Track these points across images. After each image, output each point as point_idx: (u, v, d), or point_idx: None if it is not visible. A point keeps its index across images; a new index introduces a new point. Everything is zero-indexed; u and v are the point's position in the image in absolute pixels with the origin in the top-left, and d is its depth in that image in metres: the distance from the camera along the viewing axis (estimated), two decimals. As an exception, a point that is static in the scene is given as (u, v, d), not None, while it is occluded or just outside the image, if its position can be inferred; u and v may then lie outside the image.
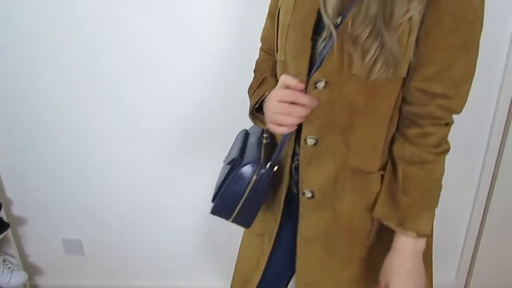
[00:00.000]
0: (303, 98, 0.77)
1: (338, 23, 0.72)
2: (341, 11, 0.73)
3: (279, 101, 0.79)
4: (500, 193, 1.67)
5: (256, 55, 1.07)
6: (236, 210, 0.90)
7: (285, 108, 0.78)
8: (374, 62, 0.71)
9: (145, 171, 1.67)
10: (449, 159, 0.82)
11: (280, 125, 0.80)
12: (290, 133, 0.83)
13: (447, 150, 0.80)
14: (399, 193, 0.81)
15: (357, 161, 0.83)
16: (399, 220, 0.81)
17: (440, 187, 0.82)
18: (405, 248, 0.82)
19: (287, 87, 0.79)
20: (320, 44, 0.78)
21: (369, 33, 0.70)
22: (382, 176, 0.84)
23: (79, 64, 1.50)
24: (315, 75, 0.77)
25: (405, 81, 0.77)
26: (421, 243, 0.82)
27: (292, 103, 0.78)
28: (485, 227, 1.73)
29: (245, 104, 0.97)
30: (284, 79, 0.80)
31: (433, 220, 0.84)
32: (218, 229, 1.65)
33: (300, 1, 0.79)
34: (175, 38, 1.46)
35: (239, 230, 1.03)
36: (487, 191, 1.69)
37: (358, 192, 0.85)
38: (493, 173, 1.66)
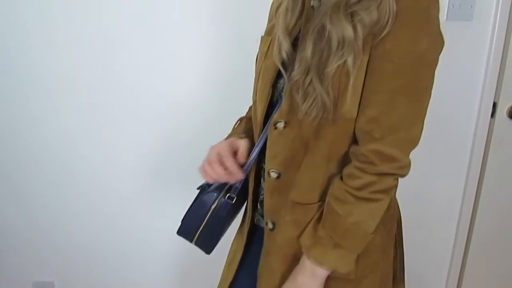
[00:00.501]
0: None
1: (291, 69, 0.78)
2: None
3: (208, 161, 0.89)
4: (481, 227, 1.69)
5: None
6: (197, 234, 0.94)
7: (211, 165, 0.88)
8: (311, 106, 0.73)
9: (123, 215, 1.63)
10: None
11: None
12: (249, 166, 0.89)
13: (376, 200, 0.77)
14: (320, 223, 0.81)
15: (298, 195, 0.84)
16: (310, 243, 0.81)
17: (363, 235, 0.79)
18: (305, 268, 0.81)
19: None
20: (279, 92, 0.84)
21: (310, 79, 0.72)
22: (320, 205, 0.83)
23: (54, 96, 1.47)
24: (275, 117, 0.81)
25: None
26: (323, 271, 0.80)
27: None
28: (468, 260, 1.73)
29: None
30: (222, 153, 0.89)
31: (349, 262, 0.80)
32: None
33: (271, 48, 0.84)
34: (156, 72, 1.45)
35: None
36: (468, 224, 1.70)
37: (296, 224, 0.85)
38: (473, 208, 1.67)
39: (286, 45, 0.79)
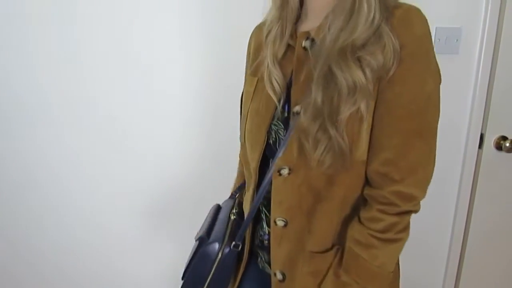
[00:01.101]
0: None
1: (296, 112, 0.76)
2: (299, 102, 0.76)
3: None
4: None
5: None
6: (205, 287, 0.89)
7: None
8: (324, 154, 0.72)
9: (116, 254, 1.59)
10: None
11: None
12: (254, 213, 0.85)
13: (399, 240, 0.77)
14: (341, 269, 0.79)
15: (315, 245, 0.82)
16: None
17: (387, 275, 0.78)
18: None
19: None
20: (277, 131, 0.82)
21: (319, 125, 0.72)
22: (338, 250, 0.82)
23: (45, 137, 1.44)
24: (279, 162, 0.79)
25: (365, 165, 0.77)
26: None
27: None
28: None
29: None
30: None
31: None
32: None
33: (259, 90, 0.84)
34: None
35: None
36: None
37: (315, 274, 0.83)
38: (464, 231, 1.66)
39: (280, 79, 0.79)
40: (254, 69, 0.89)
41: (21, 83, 1.40)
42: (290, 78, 0.80)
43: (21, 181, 1.50)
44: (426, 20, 0.73)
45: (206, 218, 0.99)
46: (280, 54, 0.81)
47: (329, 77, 0.72)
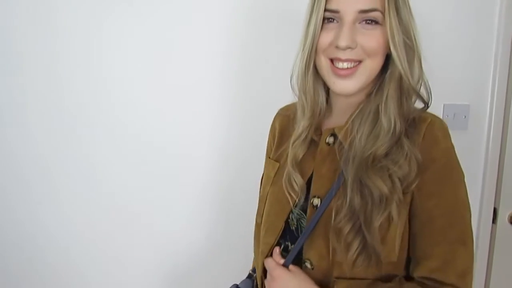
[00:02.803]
0: None
1: (318, 204, 0.80)
2: (321, 195, 0.80)
3: None
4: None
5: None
6: None
7: None
8: (357, 256, 0.74)
9: None
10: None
11: None
12: None
13: None
14: None
15: None
16: None
17: None
18: None
19: None
20: (300, 220, 0.84)
21: (351, 227, 0.74)
22: None
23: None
24: (304, 257, 0.81)
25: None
26: None
27: None
28: None
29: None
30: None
31: None
32: None
33: (279, 177, 0.87)
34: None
35: None
36: None
37: None
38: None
39: (300, 182, 0.82)
40: (278, 155, 0.93)
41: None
42: (311, 176, 0.84)
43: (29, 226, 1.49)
44: (447, 129, 0.79)
45: None
46: (301, 154, 0.85)
47: (361, 185, 0.75)
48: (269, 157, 0.98)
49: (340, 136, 0.81)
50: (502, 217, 1.55)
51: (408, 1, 0.79)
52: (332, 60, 0.78)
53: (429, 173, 0.74)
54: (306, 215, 0.82)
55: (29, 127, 1.40)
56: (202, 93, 1.40)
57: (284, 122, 0.96)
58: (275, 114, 1.04)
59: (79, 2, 1.33)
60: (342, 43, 0.74)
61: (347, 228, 0.74)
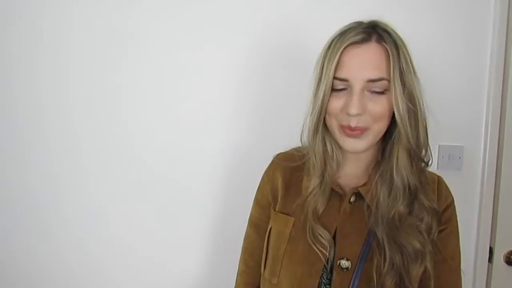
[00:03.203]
0: None
1: (349, 266, 0.83)
2: (349, 256, 0.83)
3: None
4: None
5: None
6: None
7: None
8: None
9: None
10: None
11: None
12: None
13: None
14: None
15: None
16: None
17: None
18: None
19: None
20: (321, 276, 0.86)
21: (394, 282, 0.79)
22: None
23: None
24: None
25: None
26: None
27: None
28: None
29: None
30: None
31: None
32: None
33: (299, 233, 0.88)
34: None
35: None
36: None
37: None
38: None
39: (327, 236, 0.85)
40: (290, 209, 0.92)
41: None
42: (334, 232, 0.86)
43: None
44: (447, 186, 0.91)
45: None
46: (321, 208, 0.87)
47: (395, 242, 0.81)
48: (274, 210, 0.96)
49: (367, 196, 0.85)
50: (498, 257, 1.57)
51: (412, 65, 0.83)
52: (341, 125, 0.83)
53: (441, 225, 0.85)
54: (329, 275, 0.84)
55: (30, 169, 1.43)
56: (210, 131, 1.45)
57: (287, 173, 0.96)
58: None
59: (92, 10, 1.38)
60: (353, 111, 0.78)
61: (389, 284, 0.79)
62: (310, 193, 0.87)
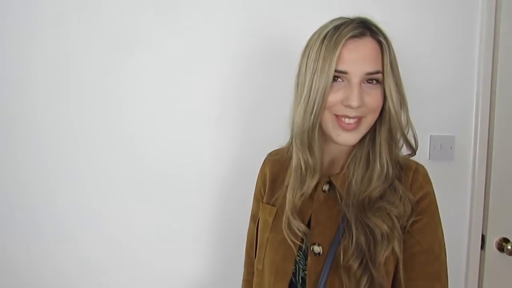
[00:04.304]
0: None
1: (320, 252, 0.86)
2: (321, 242, 0.86)
3: None
4: None
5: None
6: None
7: None
8: None
9: None
10: None
11: None
12: None
13: None
14: None
15: None
16: None
17: None
18: None
19: None
20: (299, 261, 0.89)
21: (359, 264, 0.80)
22: None
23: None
24: None
25: None
26: None
27: None
28: None
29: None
30: None
31: None
32: None
33: (280, 220, 0.91)
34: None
35: None
36: None
37: None
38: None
39: (302, 228, 0.88)
40: (273, 200, 0.98)
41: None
42: (309, 220, 0.89)
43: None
44: (428, 175, 0.89)
45: None
46: (299, 202, 0.90)
47: (362, 224, 0.82)
48: (262, 202, 1.02)
49: (337, 184, 0.88)
50: (490, 244, 1.60)
51: (395, 53, 0.87)
52: (336, 115, 0.84)
53: (415, 215, 0.84)
54: (306, 260, 0.87)
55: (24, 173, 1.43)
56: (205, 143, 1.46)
57: (274, 167, 1.02)
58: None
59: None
60: (354, 103, 0.80)
61: (355, 265, 0.80)
62: (289, 186, 0.91)
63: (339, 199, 0.87)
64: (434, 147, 1.51)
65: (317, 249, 0.86)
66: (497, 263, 1.60)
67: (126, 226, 1.47)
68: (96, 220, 1.46)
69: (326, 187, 0.89)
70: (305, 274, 0.88)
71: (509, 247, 1.56)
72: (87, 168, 1.44)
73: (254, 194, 1.10)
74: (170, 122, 1.45)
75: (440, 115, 1.52)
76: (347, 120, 0.83)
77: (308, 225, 0.89)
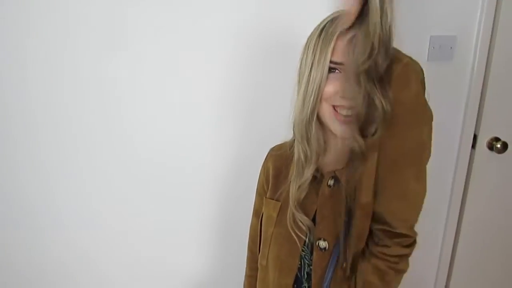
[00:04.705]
0: None
1: (326, 247, 0.87)
2: (327, 237, 0.87)
3: None
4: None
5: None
6: None
7: None
8: None
9: None
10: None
11: None
12: None
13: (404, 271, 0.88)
14: None
15: None
16: None
17: None
18: None
19: None
20: (304, 257, 0.91)
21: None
22: None
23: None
24: None
25: None
26: None
27: None
28: None
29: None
30: None
31: None
32: None
33: (284, 216, 0.91)
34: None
35: None
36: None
37: None
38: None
39: (306, 221, 0.88)
40: (277, 195, 0.97)
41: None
42: (314, 214, 0.90)
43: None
44: (420, 72, 0.78)
45: None
46: (302, 196, 0.90)
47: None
48: (265, 197, 1.01)
49: (342, 179, 0.86)
50: (481, 143, 1.66)
51: None
52: (333, 106, 0.82)
53: (395, 115, 0.75)
54: (311, 255, 0.89)
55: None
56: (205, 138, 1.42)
57: (277, 162, 1.00)
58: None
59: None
60: (351, 94, 0.77)
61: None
62: (301, 185, 0.89)
63: (344, 194, 0.85)
64: (434, 47, 1.49)
65: (322, 244, 0.86)
66: (486, 161, 1.68)
67: (126, 222, 1.46)
68: (95, 216, 1.44)
69: (331, 182, 0.88)
70: (311, 270, 0.89)
71: (498, 146, 1.63)
72: (86, 165, 1.40)
73: (257, 189, 1.08)
74: (170, 119, 1.40)
75: (442, 15, 1.47)
76: (344, 112, 0.81)
77: (313, 221, 0.89)
